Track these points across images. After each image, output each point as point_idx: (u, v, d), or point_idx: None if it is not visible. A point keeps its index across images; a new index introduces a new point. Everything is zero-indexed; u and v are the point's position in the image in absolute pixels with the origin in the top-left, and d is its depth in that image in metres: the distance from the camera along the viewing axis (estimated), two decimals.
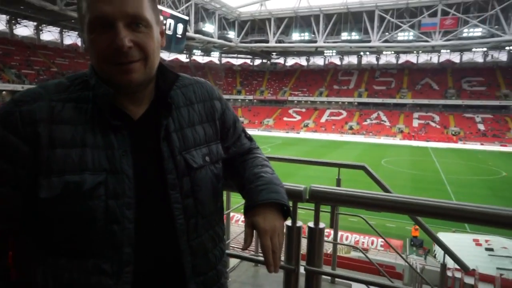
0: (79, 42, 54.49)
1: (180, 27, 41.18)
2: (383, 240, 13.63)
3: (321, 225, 1.01)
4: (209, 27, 51.21)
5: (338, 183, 2.75)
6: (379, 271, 2.87)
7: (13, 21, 49.32)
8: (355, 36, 53.52)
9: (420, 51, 62.45)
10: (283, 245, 0.90)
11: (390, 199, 0.99)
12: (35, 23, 51.43)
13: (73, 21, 43.64)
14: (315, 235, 1.01)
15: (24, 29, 52.58)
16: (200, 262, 0.92)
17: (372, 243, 14.96)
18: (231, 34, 57.35)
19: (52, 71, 45.64)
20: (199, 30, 49.28)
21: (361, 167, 2.62)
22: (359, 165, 2.64)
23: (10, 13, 46.12)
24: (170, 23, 39.49)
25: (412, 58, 68.21)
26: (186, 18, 42.97)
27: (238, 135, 1.08)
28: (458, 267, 2.83)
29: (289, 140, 48.37)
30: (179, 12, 42.24)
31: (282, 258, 1.07)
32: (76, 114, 0.81)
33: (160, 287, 0.87)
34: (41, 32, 53.25)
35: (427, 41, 47.30)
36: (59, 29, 54.66)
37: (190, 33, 45.52)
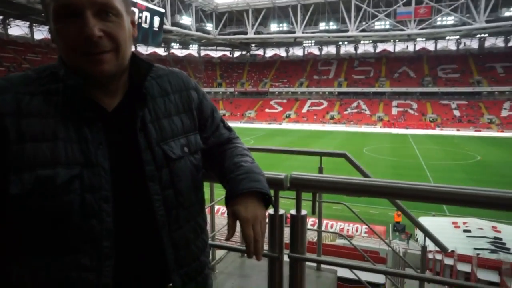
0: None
1: (156, 20, 40.29)
2: (367, 226, 13.99)
3: (303, 212, 1.02)
4: (186, 20, 50.36)
5: (321, 172, 2.78)
6: (363, 257, 2.94)
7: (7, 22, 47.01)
8: (333, 26, 53.89)
9: (397, 40, 63.53)
10: (265, 233, 0.90)
11: (369, 183, 1.00)
12: (1, 17, 49.13)
13: (43, 14, 41.97)
14: (297, 222, 1.02)
15: (16, 29, 50.22)
16: (182, 254, 0.91)
17: (357, 230, 15.31)
18: (209, 26, 56.63)
19: (24, 67, 43.87)
20: (176, 22, 48.38)
21: (342, 155, 2.65)
22: (340, 153, 2.67)
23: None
24: (146, 16, 38.57)
25: (389, 47, 69.39)
26: (162, 10, 42.06)
27: (216, 125, 1.07)
28: (438, 249, 2.93)
29: (271, 132, 48.53)
30: (154, 4, 41.31)
31: (266, 247, 1.07)
32: (45, 106, 0.78)
33: (143, 279, 0.86)
34: (9, 27, 51.01)
35: (402, 29, 48.11)
36: (28, 23, 52.50)
37: (167, 26, 44.64)
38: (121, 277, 0.82)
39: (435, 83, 56.90)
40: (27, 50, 48.54)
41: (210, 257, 2.98)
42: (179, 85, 0.98)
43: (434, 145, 36.28)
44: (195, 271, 0.94)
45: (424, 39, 62.37)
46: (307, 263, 1.08)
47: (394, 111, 55.33)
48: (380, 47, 69.61)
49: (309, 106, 60.97)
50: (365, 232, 15.13)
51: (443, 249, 2.37)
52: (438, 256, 8.65)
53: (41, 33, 54.71)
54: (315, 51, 74.23)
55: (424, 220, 10.53)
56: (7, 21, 50.29)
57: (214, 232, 2.97)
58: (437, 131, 47.54)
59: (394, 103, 56.95)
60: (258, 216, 0.88)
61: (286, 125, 55.31)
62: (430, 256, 8.50)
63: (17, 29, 53.18)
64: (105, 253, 0.79)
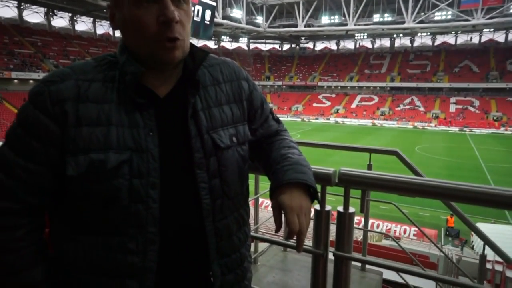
0: (111, 31, 56.03)
1: (208, 13, 41.18)
2: (416, 229, 13.28)
3: (351, 209, 0.97)
4: (237, 13, 50.87)
5: (369, 169, 2.66)
6: (411, 260, 2.79)
7: (50, 13, 51.35)
8: (388, 17, 51.28)
9: (459, 32, 58.89)
10: (309, 227, 0.87)
11: (422, 183, 0.92)
12: (70, 14, 53.30)
13: (105, 10, 44.73)
14: (345, 219, 0.97)
15: (61, 21, 54.83)
16: (224, 244, 0.91)
17: (405, 232, 14.63)
18: (259, 19, 56.71)
19: (87, 60, 47.36)
20: (227, 15, 49.08)
21: (393, 152, 2.51)
22: (391, 150, 2.53)
23: (47, 5, 48.03)
24: (198, 10, 39.56)
25: (450, 39, 64.57)
26: (214, 4, 42.86)
27: (265, 116, 1.05)
28: (499, 259, 2.68)
29: (319, 126, 47.76)
30: None
31: (310, 243, 1.05)
32: (102, 93, 0.81)
33: (184, 266, 0.87)
34: (75, 23, 55.19)
35: (467, 20, 44.35)
36: (92, 19, 56.44)
37: (218, 19, 45.42)
38: (164, 262, 0.83)
39: (502, 78, 51.93)
40: (90, 44, 52.18)
41: (252, 249, 3.01)
42: (230, 75, 0.98)
43: (497, 146, 33.35)
44: (235, 262, 0.94)
45: (492, 29, 57.14)
46: (352, 262, 1.04)
47: (452, 108, 51.57)
48: (440, 39, 65.01)
49: (358, 101, 58.94)
50: (414, 235, 14.41)
51: (506, 259, 2.17)
52: (499, 267, 7.96)
53: (102, 28, 58.55)
54: (367, 44, 71.33)
55: (482, 227, 9.76)
56: (75, 18, 54.43)
57: (257, 224, 2.99)
58: (502, 131, 43.60)
59: (453, 99, 53.02)
60: (304, 206, 0.85)
61: (334, 120, 54.02)
62: (489, 266, 7.85)
63: (82, 24, 57.49)
64: (150, 238, 0.80)
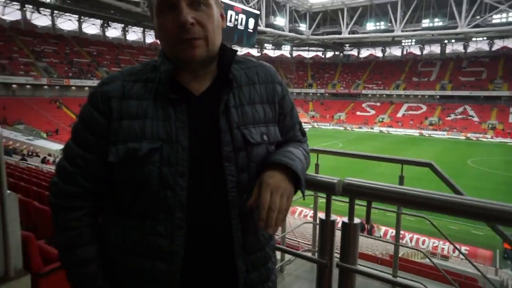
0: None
1: (251, 21, 41.87)
2: (468, 247, 12.28)
3: (356, 220, 0.96)
4: (280, 20, 51.22)
5: (401, 181, 2.56)
6: (456, 281, 2.61)
7: (105, 25, 55.26)
8: (438, 22, 48.77)
9: None
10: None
11: (432, 197, 0.88)
12: (122, 25, 56.98)
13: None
14: (349, 230, 0.96)
15: (114, 31, 58.69)
16: (249, 240, 0.94)
17: (454, 251, 13.59)
18: (302, 27, 56.64)
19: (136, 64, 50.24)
20: (270, 23, 49.59)
21: (427, 165, 2.39)
22: (425, 162, 2.41)
23: (102, 17, 51.80)
24: (241, 18, 40.37)
25: (510, 43, 59.86)
26: (257, 12, 43.51)
27: (293, 124, 1.09)
28: None
29: (362, 135, 46.42)
30: (250, 6, 42.96)
31: (307, 252, 1.04)
32: (143, 91, 0.91)
33: (210, 257, 0.91)
34: (127, 33, 58.85)
35: None
36: (142, 29, 59.88)
37: (261, 27, 46.05)
38: (191, 248, 0.88)
39: None
40: (139, 53, 55.25)
41: (279, 257, 3.00)
42: (266, 77, 1.02)
43: None
44: (259, 261, 0.96)
45: None
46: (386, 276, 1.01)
47: None
48: (498, 44, 60.58)
49: (405, 110, 56.48)
50: (467, 255, 13.33)
51: None
52: None
53: (151, 37, 61.79)
54: (415, 50, 68.42)
55: None
56: (126, 28, 58.08)
57: (284, 233, 2.97)
58: None
59: None
60: (281, 187, 0.86)
61: (378, 130, 52.21)
62: None
63: (133, 34, 61.19)
64: (177, 224, 0.87)
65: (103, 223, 0.98)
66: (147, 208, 0.88)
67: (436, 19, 48.89)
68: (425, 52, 66.97)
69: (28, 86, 38.01)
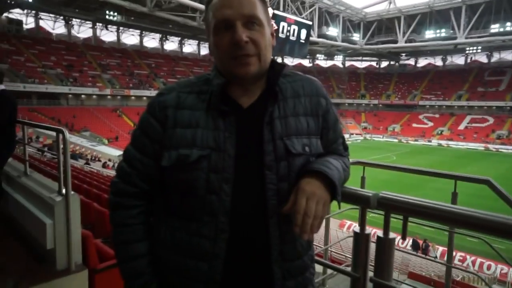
0: None
1: (303, 32, 41.94)
2: None
3: (392, 235, 0.93)
4: (333, 31, 50.65)
5: (454, 198, 2.39)
6: None
7: (164, 38, 58.81)
8: (510, 27, 44.69)
9: None
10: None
11: (475, 215, 0.83)
12: (179, 38, 60.16)
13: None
14: (384, 245, 0.93)
15: (171, 44, 62.24)
16: (287, 248, 0.96)
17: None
18: (356, 36, 55.42)
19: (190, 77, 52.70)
20: (323, 34, 49.22)
21: (484, 181, 2.21)
22: (482, 178, 2.23)
23: (161, 31, 55.23)
24: (293, 29, 40.59)
25: None
26: (310, 23, 43.49)
27: (336, 138, 1.10)
28: None
29: (418, 149, 43.89)
30: (303, 17, 43.07)
31: (349, 267, 1.02)
32: (196, 102, 0.98)
33: (249, 260, 0.95)
34: (183, 46, 61.96)
35: None
36: (197, 42, 62.70)
37: (313, 38, 45.87)
38: (232, 251, 0.92)
39: None
40: (194, 64, 57.86)
41: (321, 270, 2.95)
42: (311, 90, 1.05)
43: None
44: (297, 269, 0.98)
45: None
46: None
47: None
48: None
49: (467, 123, 52.45)
50: None
51: None
52: None
53: (205, 49, 64.49)
54: (481, 58, 63.44)
55: None
56: (182, 41, 61.22)
57: (327, 245, 2.91)
58: None
59: None
60: (317, 193, 0.88)
61: (436, 143, 48.99)
62: None
63: (189, 47, 64.35)
64: (220, 227, 0.92)
65: (154, 222, 1.05)
66: (194, 211, 0.94)
67: (508, 23, 44.80)
68: (493, 59, 61.81)
69: (94, 96, 41.65)
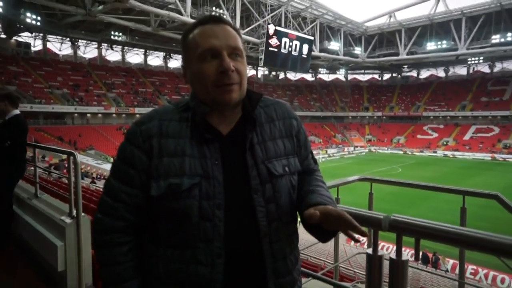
0: None
1: (305, 47, 42.49)
2: None
3: (404, 257, 0.95)
4: (334, 45, 51.20)
5: (463, 213, 2.39)
6: None
7: (167, 57, 59.70)
8: (511, 37, 44.83)
9: None
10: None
11: (489, 239, 0.85)
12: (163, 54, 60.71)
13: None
14: (398, 267, 0.95)
15: (175, 62, 62.95)
16: (279, 265, 1.00)
17: None
18: (357, 50, 55.94)
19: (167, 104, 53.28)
20: (324, 48, 49.75)
21: (493, 196, 2.22)
22: (490, 193, 2.24)
23: (165, 50, 56.16)
24: (295, 45, 41.15)
25: None
26: (311, 38, 44.08)
27: (307, 154, 1.16)
28: None
29: (423, 160, 43.56)
30: (304, 33, 43.66)
31: (363, 286, 1.04)
32: (178, 130, 0.99)
33: (245, 281, 0.98)
34: (168, 61, 62.28)
35: None
36: None
37: (315, 52, 46.38)
38: (229, 275, 0.95)
39: None
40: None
41: None
42: (283, 113, 1.12)
43: None
44: (287, 284, 1.02)
45: None
46: None
47: None
48: None
49: (473, 133, 52.12)
50: None
51: None
52: None
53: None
54: (484, 68, 63.50)
55: None
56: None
57: (337, 263, 2.88)
58: None
59: None
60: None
61: (442, 153, 48.65)
62: None
63: (175, 62, 64.59)
64: (216, 252, 0.94)
65: (144, 259, 1.03)
66: (187, 239, 0.95)
67: (509, 34, 44.93)
68: (496, 69, 61.89)
69: (99, 115, 42.19)
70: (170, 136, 0.99)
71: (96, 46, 52.20)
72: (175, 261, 0.96)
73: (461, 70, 66.11)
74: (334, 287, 2.90)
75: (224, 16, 1.08)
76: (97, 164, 29.08)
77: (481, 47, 46.92)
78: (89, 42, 51.43)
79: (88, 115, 41.58)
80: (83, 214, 2.88)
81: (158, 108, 1.07)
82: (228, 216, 0.95)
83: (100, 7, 31.01)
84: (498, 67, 61.77)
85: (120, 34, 45.88)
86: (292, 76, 72.52)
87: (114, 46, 53.36)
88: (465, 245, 0.87)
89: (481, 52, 48.27)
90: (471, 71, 64.50)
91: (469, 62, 60.95)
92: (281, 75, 68.97)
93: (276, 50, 39.85)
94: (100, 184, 17.82)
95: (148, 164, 0.98)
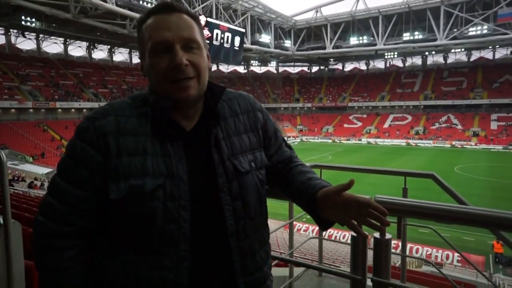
0: None
1: (237, 39, 42.53)
2: (459, 254, 12.37)
3: (388, 236, 1.00)
4: (265, 38, 52.13)
5: (405, 193, 2.62)
6: None
7: (91, 47, 55.23)
8: (418, 35, 50.36)
9: (497, 46, 56.66)
10: (346, 252, 0.92)
11: (462, 211, 0.94)
12: (108, 47, 56.98)
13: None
14: (382, 246, 1.00)
15: (100, 53, 58.68)
16: (248, 263, 0.98)
17: (447, 258, 13.66)
18: (287, 43, 57.72)
19: (123, 88, 50.05)
20: (256, 41, 50.40)
21: (429, 176, 2.47)
22: (427, 173, 2.49)
23: (89, 39, 51.84)
24: (227, 37, 40.98)
25: (486, 54, 62.16)
26: (243, 30, 44.28)
27: (279, 143, 1.16)
28: None
29: (350, 147, 46.92)
30: (235, 25, 43.68)
31: (348, 268, 1.08)
32: (138, 126, 0.92)
33: (213, 282, 0.94)
34: (113, 54, 58.83)
35: (505, 33, 42.65)
36: (128, 50, 59.96)
37: (247, 45, 46.74)
38: (195, 278, 0.91)
39: None
40: (126, 73, 55.22)
41: (288, 274, 3.00)
42: (247, 106, 1.09)
43: None
44: (258, 280, 1.01)
45: None
46: None
47: (494, 125, 49.01)
48: (475, 55, 62.81)
49: (391, 121, 57.56)
50: (458, 261, 13.47)
51: None
52: None
53: (137, 58, 62.06)
54: (398, 63, 70.26)
55: None
56: (113, 50, 58.10)
57: (292, 249, 2.98)
58: None
59: (493, 116, 50.41)
60: None
61: (366, 141, 52.92)
62: None
63: (119, 55, 61.23)
64: (182, 256, 0.89)
65: (97, 262, 0.94)
66: (151, 243, 0.89)
67: (416, 32, 50.47)
68: (407, 64, 68.83)
69: (12, 110, 37.43)
70: (128, 133, 0.91)
71: (2, 32, 46.00)
72: (136, 267, 0.89)
73: (380, 64, 72.32)
74: (320, 271, 3.00)
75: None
76: (13, 165, 26.00)
77: (395, 43, 51.78)
78: None
79: None
80: (13, 220, 2.54)
81: (113, 102, 0.98)
82: (193, 217, 0.91)
83: None
84: (409, 61, 68.76)
85: (34, 19, 40.97)
86: (225, 68, 72.31)
87: (26, 33, 47.55)
88: (444, 219, 0.93)
89: (395, 48, 53.23)
90: (388, 64, 70.82)
91: (386, 57, 66.88)
92: (214, 67, 68.31)
93: (208, 41, 39.30)
94: (18, 187, 15.99)
95: (104, 164, 0.89)
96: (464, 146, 45.62)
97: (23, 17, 40.22)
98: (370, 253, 1.09)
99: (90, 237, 0.95)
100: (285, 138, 1.20)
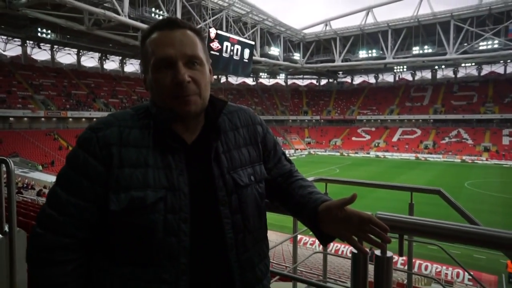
0: None
1: (246, 52, 42.98)
2: (471, 273, 12.05)
3: (389, 253, 0.98)
4: (275, 50, 52.58)
5: (411, 209, 2.57)
6: None
7: (103, 58, 56.40)
8: (428, 49, 50.32)
9: (509, 61, 56.19)
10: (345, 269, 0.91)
11: (469, 231, 0.90)
12: (120, 58, 58.12)
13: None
14: (383, 264, 0.98)
15: (112, 64, 59.82)
16: (248, 276, 0.97)
17: (458, 276, 13.28)
18: (296, 56, 58.12)
19: (133, 98, 50.74)
20: (265, 53, 50.85)
21: (436, 192, 2.42)
22: (433, 189, 2.44)
23: (101, 51, 52.99)
24: (237, 49, 41.44)
25: (498, 68, 61.66)
26: (252, 43, 44.76)
27: (278, 157, 1.16)
28: None
29: (358, 161, 46.54)
30: (245, 38, 44.19)
31: (349, 284, 1.05)
32: (140, 138, 0.92)
33: None
34: (124, 65, 59.93)
35: None
36: (139, 61, 60.87)
37: (256, 57, 47.15)
38: None
39: None
40: (136, 84, 56.03)
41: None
42: (247, 120, 1.09)
43: None
44: None
45: None
46: None
47: (505, 140, 48.18)
48: (486, 69, 62.33)
49: (400, 135, 57.09)
50: (469, 279, 13.09)
51: None
52: None
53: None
54: (407, 76, 70.05)
55: None
56: (124, 61, 59.20)
57: (296, 264, 2.93)
58: None
59: (505, 131, 49.61)
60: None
61: (374, 154, 52.46)
62: None
63: (130, 66, 62.33)
64: (181, 269, 0.88)
65: (94, 275, 0.93)
66: (150, 256, 0.88)
67: (426, 46, 50.44)
68: (416, 77, 68.58)
69: (25, 119, 38.19)
70: (131, 145, 0.91)
71: (19, 43, 47.32)
72: (135, 280, 0.88)
73: (389, 77, 72.26)
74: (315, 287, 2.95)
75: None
76: (23, 173, 26.38)
77: (404, 57, 51.79)
78: (10, 38, 46.52)
79: (11, 119, 37.36)
80: (18, 229, 2.56)
81: (116, 113, 0.98)
82: (193, 230, 0.90)
83: (24, 0, 28.15)
84: (418, 75, 68.49)
85: (49, 31, 42.07)
86: (234, 80, 72.91)
87: (41, 44, 48.83)
88: (448, 239, 0.90)
89: (404, 61, 53.20)
90: (397, 78, 70.66)
91: (395, 70, 66.77)
92: (223, 79, 68.98)
93: (217, 53, 39.69)
94: (27, 195, 16.16)
95: (106, 175, 0.89)
96: (475, 161, 44.88)
97: (39, 29, 41.31)
98: (371, 268, 1.06)
99: (89, 250, 0.94)
100: (286, 152, 1.21)
